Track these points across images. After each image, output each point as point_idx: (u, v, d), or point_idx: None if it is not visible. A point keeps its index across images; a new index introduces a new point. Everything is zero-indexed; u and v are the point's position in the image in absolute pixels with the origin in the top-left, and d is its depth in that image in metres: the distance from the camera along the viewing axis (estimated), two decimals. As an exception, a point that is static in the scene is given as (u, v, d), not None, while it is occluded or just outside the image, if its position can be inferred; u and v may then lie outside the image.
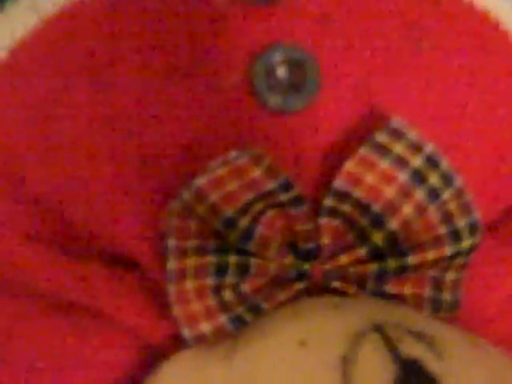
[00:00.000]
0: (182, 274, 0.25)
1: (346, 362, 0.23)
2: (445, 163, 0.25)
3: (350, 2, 0.26)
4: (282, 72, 0.25)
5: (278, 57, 0.25)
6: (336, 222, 0.25)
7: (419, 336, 0.24)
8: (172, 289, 0.25)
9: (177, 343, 0.26)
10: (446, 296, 0.26)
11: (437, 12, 0.27)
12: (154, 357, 0.26)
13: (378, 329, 0.24)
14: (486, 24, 0.27)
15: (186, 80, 0.25)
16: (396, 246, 0.25)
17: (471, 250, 0.26)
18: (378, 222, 0.25)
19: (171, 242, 0.25)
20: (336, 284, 0.25)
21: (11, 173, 0.27)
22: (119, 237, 0.26)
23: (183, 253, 0.25)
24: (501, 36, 0.28)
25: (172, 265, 0.25)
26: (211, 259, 0.25)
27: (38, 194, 0.26)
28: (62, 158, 0.26)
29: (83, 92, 0.26)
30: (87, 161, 0.26)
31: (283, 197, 0.24)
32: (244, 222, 0.24)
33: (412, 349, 0.23)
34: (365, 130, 0.25)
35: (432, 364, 0.23)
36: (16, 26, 0.26)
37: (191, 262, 0.25)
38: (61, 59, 0.26)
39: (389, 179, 0.25)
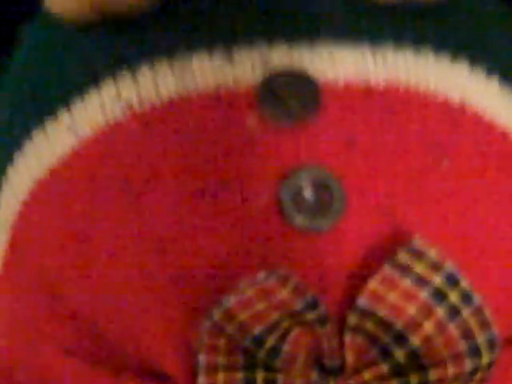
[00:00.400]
0: None
1: None
2: (464, 281, 0.25)
3: (375, 125, 0.26)
4: (308, 193, 0.26)
5: (304, 179, 0.26)
6: (359, 340, 0.26)
7: None
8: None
9: None
10: None
11: (457, 132, 0.27)
12: None
13: None
14: (505, 142, 0.28)
15: (217, 200, 0.26)
16: (417, 361, 0.26)
17: (490, 365, 0.26)
18: (400, 339, 0.25)
19: (202, 358, 0.26)
20: (361, 400, 0.26)
21: (51, 290, 0.27)
22: (151, 351, 0.26)
23: (213, 368, 0.26)
24: None
25: (203, 380, 0.26)
26: (240, 375, 0.26)
27: (75, 310, 0.27)
28: (97, 275, 0.26)
29: (119, 211, 0.26)
30: (121, 277, 0.26)
31: (309, 316, 0.25)
32: (271, 341, 0.25)
33: None
34: (388, 249, 0.26)
35: None
36: (55, 145, 0.27)
37: (221, 377, 0.26)
38: (98, 180, 0.27)
39: (410, 297, 0.25)
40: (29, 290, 0.29)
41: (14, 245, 0.29)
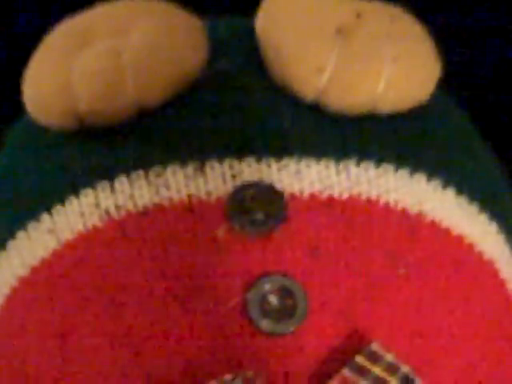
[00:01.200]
0: None
1: None
2: (418, 382, 0.26)
3: (337, 234, 0.27)
4: (273, 299, 0.26)
5: (269, 286, 0.26)
6: None
7: None
8: None
9: None
10: None
11: (414, 240, 0.28)
12: None
13: None
14: (461, 249, 0.28)
15: (188, 305, 0.26)
16: None
17: None
18: None
19: None
20: None
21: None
22: None
23: None
24: (475, 259, 0.29)
25: None
26: None
27: None
28: (74, 374, 0.27)
29: (95, 312, 0.27)
30: (97, 375, 0.26)
31: None
32: None
33: None
34: (347, 351, 0.26)
35: None
36: (37, 246, 0.27)
37: None
38: (76, 282, 0.27)
39: None
40: None
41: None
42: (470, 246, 0.29)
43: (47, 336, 0.27)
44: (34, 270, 0.28)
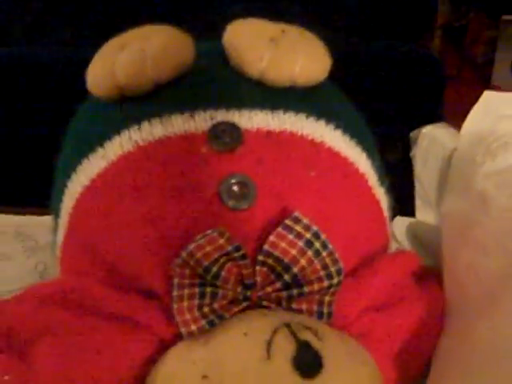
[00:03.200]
0: (180, 299, 0.37)
1: (269, 343, 0.34)
2: (323, 236, 0.38)
3: (273, 152, 0.40)
4: (236, 189, 0.38)
5: (233, 181, 0.38)
6: (264, 269, 0.37)
7: (309, 329, 0.36)
8: (175, 307, 0.37)
9: (179, 338, 0.37)
10: (325, 310, 0.38)
11: (319, 157, 0.41)
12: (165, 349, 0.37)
13: (287, 325, 0.35)
14: (347, 165, 0.42)
15: (184, 194, 0.38)
16: (297, 281, 0.38)
17: (338, 283, 0.37)
18: (287, 268, 0.37)
19: (175, 281, 0.37)
20: (265, 303, 0.37)
21: (90, 247, 0.39)
22: (148, 277, 0.37)
23: (181, 286, 0.37)
24: (354, 172, 0.42)
25: (175, 293, 0.37)
26: (196, 290, 0.37)
27: (102, 255, 0.39)
28: (116, 235, 0.38)
29: (128, 200, 0.39)
30: (136, 237, 0.38)
31: (236, 254, 0.36)
32: (215, 269, 0.37)
33: (305, 335, 0.35)
34: (280, 218, 0.38)
35: (316, 343, 0.34)
36: (94, 167, 0.40)
37: (185, 291, 0.37)
38: (117, 184, 0.40)
39: (293, 245, 0.37)
40: (78, 248, 0.40)
41: (70, 223, 0.41)
42: (352, 164, 0.42)
43: (99, 216, 0.39)
44: (93, 181, 0.41)
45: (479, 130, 0.48)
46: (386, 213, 0.45)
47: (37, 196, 0.55)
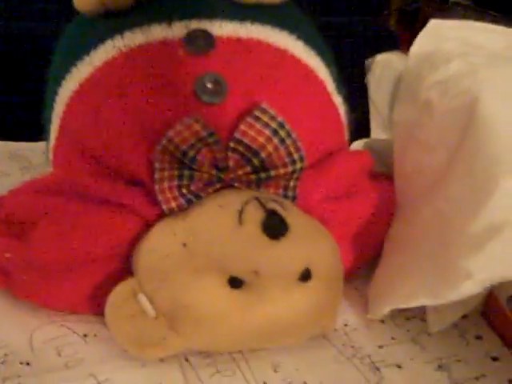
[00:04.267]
0: (161, 180, 0.40)
1: (241, 212, 0.37)
2: (287, 125, 0.41)
3: (242, 54, 0.43)
4: (209, 85, 0.41)
5: (207, 78, 0.41)
6: (235, 154, 0.40)
7: (277, 201, 0.38)
8: (157, 187, 0.40)
9: (161, 218, 0.39)
10: (290, 193, 0.41)
11: (283, 63, 0.44)
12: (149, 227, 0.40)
13: (256, 198, 0.38)
14: (307, 70, 0.45)
15: (167, 89, 0.41)
16: (265, 166, 0.40)
17: (301, 168, 0.40)
18: (256, 153, 0.40)
19: (157, 165, 0.40)
20: (236, 185, 0.40)
21: (80, 144, 0.42)
22: (133, 164, 0.40)
23: (162, 169, 0.40)
24: (314, 77, 0.45)
25: (157, 176, 0.40)
26: (176, 172, 0.39)
27: (91, 150, 0.42)
28: (104, 129, 0.41)
29: (116, 100, 0.41)
30: (121, 131, 0.41)
31: (210, 139, 0.39)
32: (191, 153, 0.39)
33: (273, 205, 0.37)
34: (250, 110, 0.41)
35: (282, 211, 0.37)
36: (82, 73, 0.42)
37: (166, 174, 0.40)
38: (103, 84, 0.42)
39: (260, 133, 0.40)
40: (68, 147, 0.43)
41: (61, 125, 0.44)
42: (312, 70, 0.46)
43: (88, 115, 0.41)
44: (81, 85, 0.43)
45: (425, 50, 0.51)
46: (344, 119, 0.48)
47: (27, 126, 0.57)
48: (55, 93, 0.45)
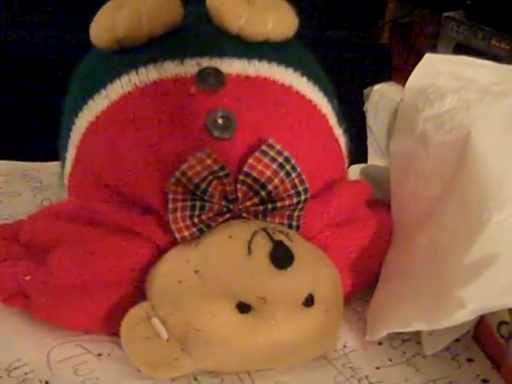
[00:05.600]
0: (175, 210, 0.42)
1: (250, 242, 0.39)
2: (292, 160, 0.43)
3: (250, 92, 0.45)
4: (220, 121, 0.43)
5: (218, 115, 0.43)
6: (244, 187, 0.42)
7: (283, 232, 0.40)
8: (171, 217, 0.42)
9: (173, 246, 0.42)
10: (294, 223, 0.43)
11: (289, 98, 0.46)
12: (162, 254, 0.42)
13: (264, 229, 0.40)
14: (310, 106, 0.47)
15: (178, 124, 0.43)
16: (271, 198, 0.43)
17: (305, 200, 0.43)
18: (263, 186, 0.42)
19: (170, 196, 0.42)
20: (244, 215, 0.42)
21: (96, 175, 0.44)
22: (147, 194, 0.42)
23: (176, 200, 0.42)
24: (317, 112, 0.48)
25: (171, 206, 0.42)
26: (188, 203, 0.42)
27: (106, 181, 0.44)
28: (119, 161, 0.43)
29: (132, 132, 0.44)
30: (136, 163, 0.43)
31: (221, 173, 0.42)
32: (203, 185, 0.42)
33: (279, 236, 0.40)
34: (257, 146, 0.43)
35: (288, 242, 0.39)
36: (99, 105, 0.45)
37: (179, 204, 0.42)
38: (120, 118, 0.45)
39: (268, 167, 0.43)
40: (84, 175, 0.45)
41: (77, 154, 0.46)
42: (315, 106, 0.48)
43: (105, 144, 0.44)
44: (97, 117, 0.45)
45: (421, 84, 0.54)
46: (344, 150, 0.51)
47: (38, 146, 0.59)
48: (72, 122, 0.47)
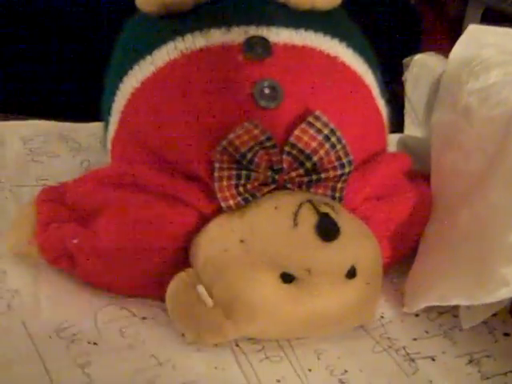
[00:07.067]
0: (220, 179, 0.42)
1: (296, 214, 0.39)
2: (338, 132, 0.43)
3: (297, 60, 0.44)
4: (267, 91, 0.43)
5: (265, 84, 0.43)
6: (290, 157, 0.42)
7: (328, 205, 0.40)
8: (216, 185, 0.42)
9: (218, 214, 0.42)
10: (337, 194, 0.43)
11: (334, 69, 0.46)
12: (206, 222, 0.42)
13: (309, 201, 0.40)
14: (356, 76, 0.47)
15: (224, 92, 0.43)
16: (316, 169, 0.42)
17: (349, 172, 0.42)
18: (308, 157, 0.42)
19: (216, 165, 0.42)
20: (289, 186, 0.42)
21: (140, 139, 0.44)
22: (192, 162, 0.42)
23: (221, 169, 0.42)
24: (362, 83, 0.47)
25: (216, 174, 0.42)
26: (234, 173, 0.42)
27: (150, 145, 0.44)
28: (165, 125, 0.42)
29: (178, 102, 0.43)
30: (182, 130, 0.43)
31: (267, 143, 0.41)
32: (249, 155, 0.41)
33: (325, 208, 0.40)
34: (304, 116, 0.42)
35: (333, 214, 0.39)
36: (144, 72, 0.44)
37: (224, 173, 0.42)
38: (167, 85, 0.44)
39: (313, 138, 0.42)
40: (128, 140, 0.45)
41: (121, 119, 0.46)
42: (360, 77, 0.47)
43: (151, 110, 0.43)
44: (142, 83, 0.45)
45: (464, 56, 0.53)
46: (386, 122, 0.50)
47: (76, 106, 0.59)
48: (116, 87, 0.47)
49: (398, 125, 0.63)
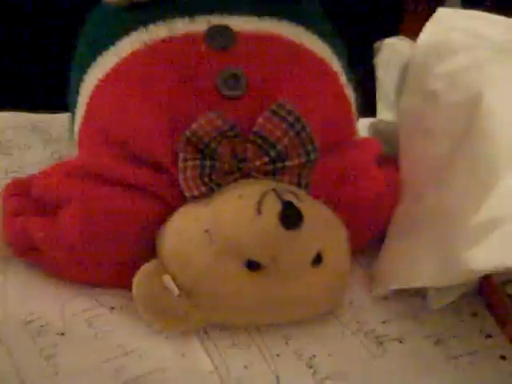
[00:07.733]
0: (185, 169, 0.42)
1: (259, 203, 0.39)
2: (303, 120, 0.42)
3: (260, 49, 0.44)
4: (230, 80, 0.43)
5: (229, 74, 0.43)
6: (254, 146, 0.42)
7: (292, 193, 0.40)
8: (181, 176, 0.41)
9: (183, 203, 0.42)
10: (303, 181, 0.43)
11: (299, 55, 0.46)
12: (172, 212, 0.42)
13: (274, 189, 0.40)
14: (322, 63, 0.47)
15: (188, 82, 0.42)
16: (281, 157, 0.42)
17: (314, 159, 0.42)
18: (273, 145, 0.42)
19: (180, 155, 0.42)
20: (254, 174, 0.42)
21: (105, 129, 0.44)
22: (157, 152, 0.42)
23: (186, 160, 0.42)
24: (328, 69, 0.47)
25: (181, 165, 0.42)
26: (198, 163, 0.42)
27: (114, 136, 0.44)
28: (129, 117, 0.42)
29: (139, 91, 0.43)
30: (146, 121, 0.42)
31: (231, 133, 0.41)
32: (213, 145, 0.41)
33: (289, 196, 0.39)
34: (266, 104, 0.42)
35: (297, 202, 0.39)
36: (108, 63, 0.44)
37: (189, 163, 0.42)
38: (129, 75, 0.44)
39: (278, 126, 0.42)
40: (94, 131, 0.44)
41: (87, 110, 0.46)
42: (327, 64, 0.47)
43: (115, 101, 0.43)
44: (107, 75, 0.45)
45: (433, 40, 0.53)
46: (354, 108, 0.50)
47: (47, 97, 0.59)
48: (81, 79, 0.46)
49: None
